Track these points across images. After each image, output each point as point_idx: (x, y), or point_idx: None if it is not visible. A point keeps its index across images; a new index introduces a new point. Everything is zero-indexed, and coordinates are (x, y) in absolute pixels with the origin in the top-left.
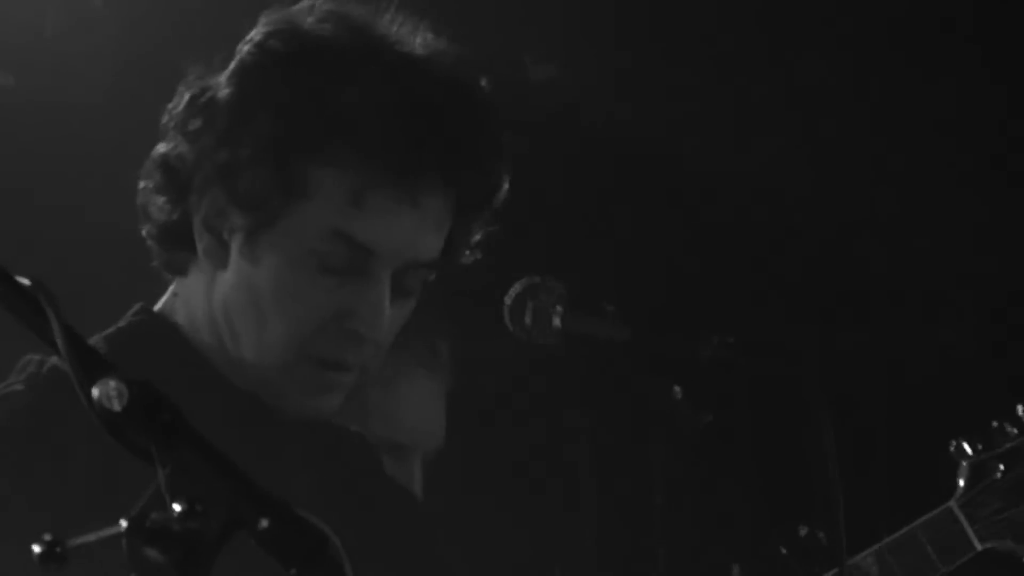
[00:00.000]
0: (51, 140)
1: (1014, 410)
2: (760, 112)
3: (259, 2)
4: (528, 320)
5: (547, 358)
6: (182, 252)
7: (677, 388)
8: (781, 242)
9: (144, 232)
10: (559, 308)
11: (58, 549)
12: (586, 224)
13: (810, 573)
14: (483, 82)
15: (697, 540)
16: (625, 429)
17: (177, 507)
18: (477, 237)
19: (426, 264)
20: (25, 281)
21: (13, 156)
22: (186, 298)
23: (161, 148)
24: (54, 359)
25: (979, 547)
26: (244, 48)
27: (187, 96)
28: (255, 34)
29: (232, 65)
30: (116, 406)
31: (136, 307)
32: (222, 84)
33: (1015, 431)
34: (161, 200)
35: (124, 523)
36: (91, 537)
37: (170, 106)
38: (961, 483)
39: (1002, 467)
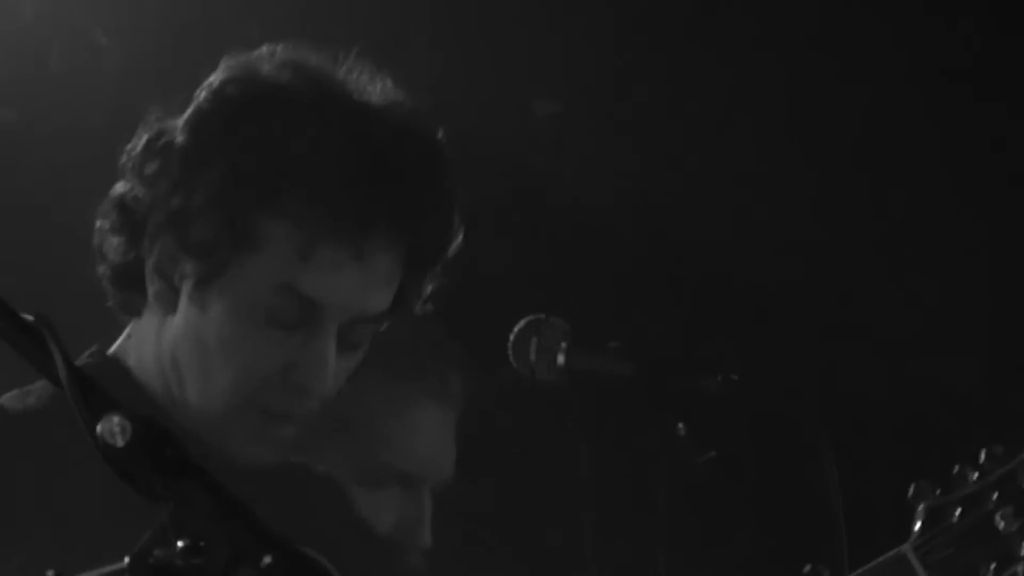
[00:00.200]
0: (54, 174)
1: (979, 455)
2: (763, 159)
3: (259, 40)
4: (532, 357)
5: (550, 394)
6: (135, 294)
7: (681, 425)
8: (781, 279)
9: (99, 272)
10: (563, 345)
11: None
12: (589, 261)
13: None
14: (439, 133)
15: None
16: (628, 465)
17: (180, 543)
18: (429, 289)
19: (374, 318)
20: (28, 317)
21: (17, 190)
22: (138, 341)
23: (118, 188)
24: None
25: None
26: (201, 94)
27: (144, 138)
28: (214, 79)
29: (189, 110)
30: (119, 441)
31: (91, 349)
32: (178, 129)
33: (975, 476)
34: (116, 241)
35: (127, 559)
36: (94, 573)
37: (129, 147)
38: (917, 526)
39: (959, 512)
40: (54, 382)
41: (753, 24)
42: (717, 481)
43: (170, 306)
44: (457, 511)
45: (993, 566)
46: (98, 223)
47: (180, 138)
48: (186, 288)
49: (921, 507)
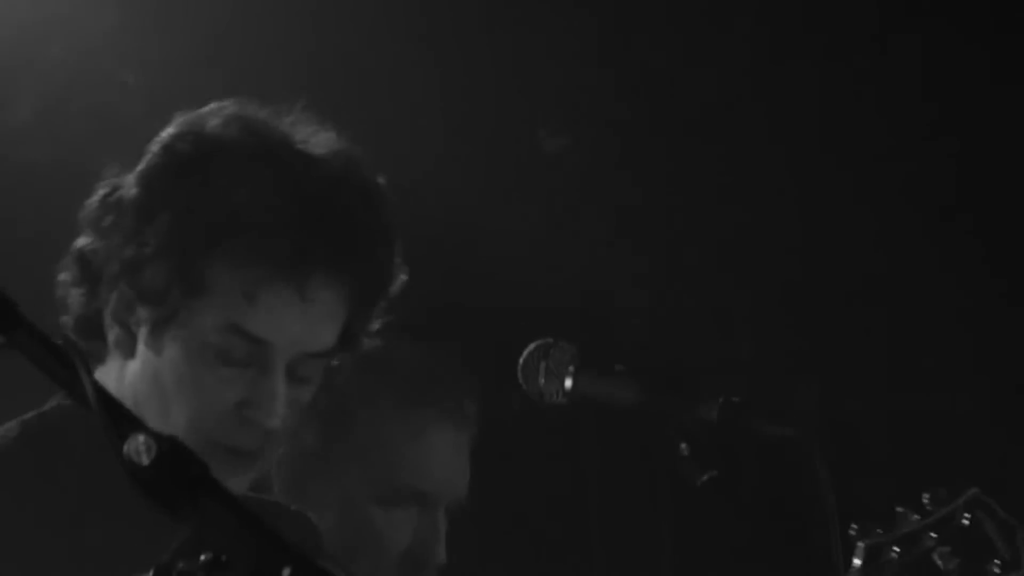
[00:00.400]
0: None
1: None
2: (760, 175)
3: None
4: (541, 380)
5: (558, 416)
6: (98, 342)
7: (684, 445)
8: (782, 301)
9: (63, 323)
10: (571, 368)
11: None
12: (596, 286)
13: None
14: (378, 179)
15: None
16: (633, 484)
17: (203, 557)
18: (375, 325)
19: (321, 354)
20: (57, 341)
21: (46, 230)
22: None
23: (79, 243)
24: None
25: None
26: (153, 148)
27: (100, 193)
28: (164, 135)
29: (141, 166)
30: (144, 460)
31: (60, 393)
32: (131, 183)
33: (916, 517)
34: (77, 293)
35: (152, 571)
36: None
37: (87, 202)
38: (856, 563)
39: (896, 550)
40: (81, 402)
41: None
42: (718, 499)
43: (128, 351)
44: (470, 531)
45: None
46: (61, 276)
47: (131, 191)
48: (142, 333)
49: (861, 545)
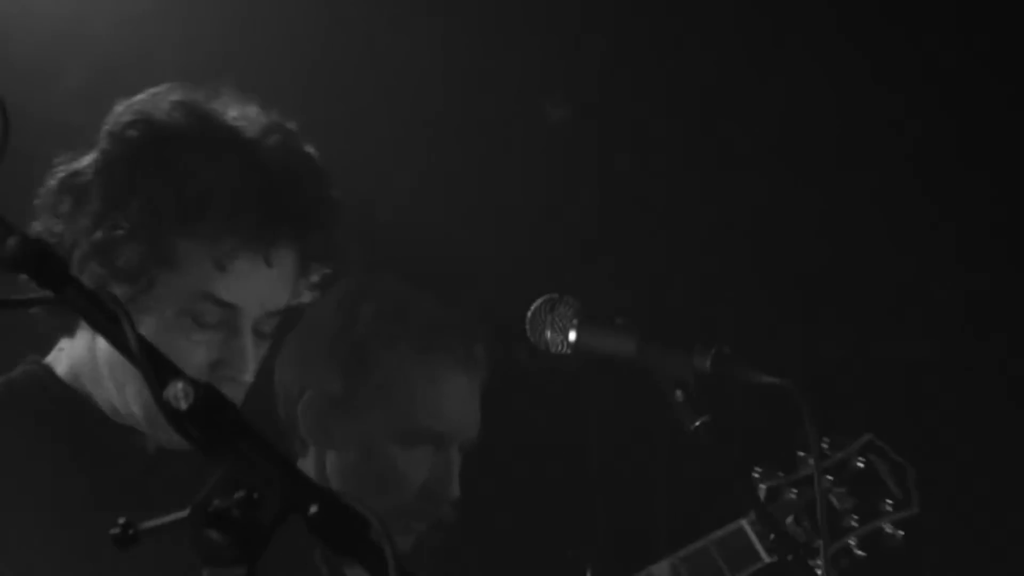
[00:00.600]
0: None
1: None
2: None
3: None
4: (547, 332)
5: (562, 365)
6: (66, 318)
7: (679, 392)
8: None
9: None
10: (575, 321)
11: (130, 531)
12: (599, 244)
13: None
14: (312, 150)
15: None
16: (631, 428)
17: (237, 495)
18: (316, 279)
19: (279, 312)
20: (104, 295)
21: None
22: (70, 354)
23: (37, 227)
24: None
25: (767, 560)
26: (104, 138)
27: (56, 179)
28: (112, 126)
29: (95, 154)
30: (183, 405)
31: (31, 357)
32: (89, 171)
33: (812, 461)
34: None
35: (190, 508)
36: (159, 521)
37: (41, 190)
38: (756, 507)
39: (794, 492)
40: (124, 352)
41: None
42: (710, 444)
43: None
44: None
45: (824, 539)
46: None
47: (94, 179)
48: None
49: (761, 487)
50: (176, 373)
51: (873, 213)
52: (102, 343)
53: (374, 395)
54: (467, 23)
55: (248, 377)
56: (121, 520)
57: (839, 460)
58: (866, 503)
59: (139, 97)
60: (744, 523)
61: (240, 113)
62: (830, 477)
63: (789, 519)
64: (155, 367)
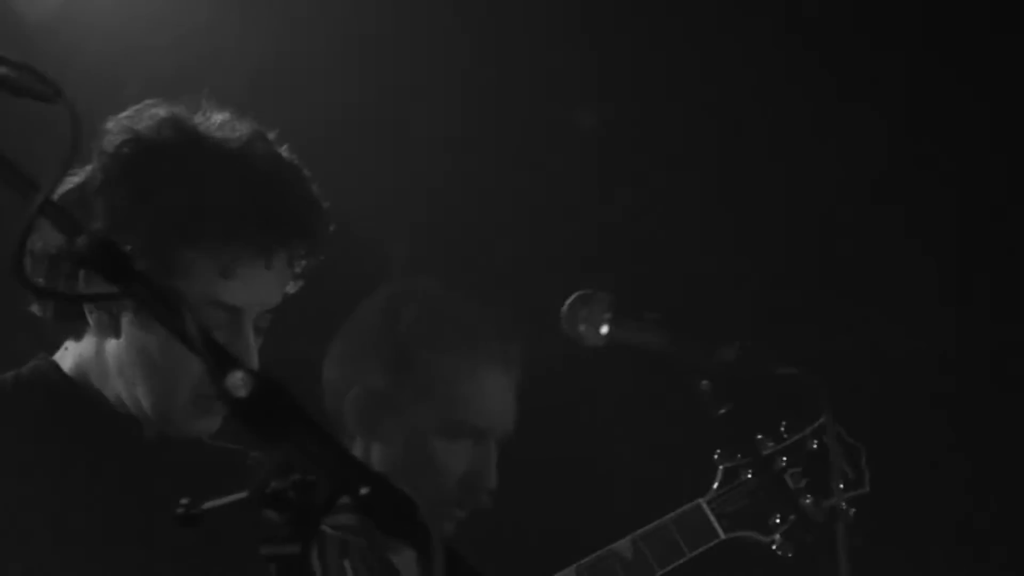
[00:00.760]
0: None
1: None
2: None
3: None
4: (581, 327)
5: (595, 357)
6: (75, 324)
7: (705, 382)
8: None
9: (37, 311)
10: (607, 316)
11: (193, 511)
12: (628, 242)
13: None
14: (296, 159)
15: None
16: (660, 415)
17: (293, 478)
18: (299, 271)
19: (273, 308)
20: (168, 288)
21: None
22: (76, 353)
23: (40, 244)
24: None
25: (723, 536)
26: (100, 156)
27: (61, 198)
28: (106, 145)
29: (96, 173)
30: (242, 393)
31: (41, 355)
32: (90, 189)
33: (771, 444)
34: (51, 286)
35: (249, 492)
36: (220, 502)
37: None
38: (715, 485)
39: (751, 473)
40: (186, 342)
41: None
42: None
43: (112, 332)
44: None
45: (778, 516)
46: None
47: (96, 197)
48: (127, 316)
49: (720, 468)
50: (235, 363)
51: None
52: (111, 345)
53: (416, 391)
54: (503, 26)
55: (252, 368)
56: (184, 501)
57: (794, 442)
58: (819, 482)
59: (125, 115)
60: (702, 502)
61: (221, 124)
62: (785, 458)
63: (747, 498)
64: (216, 358)
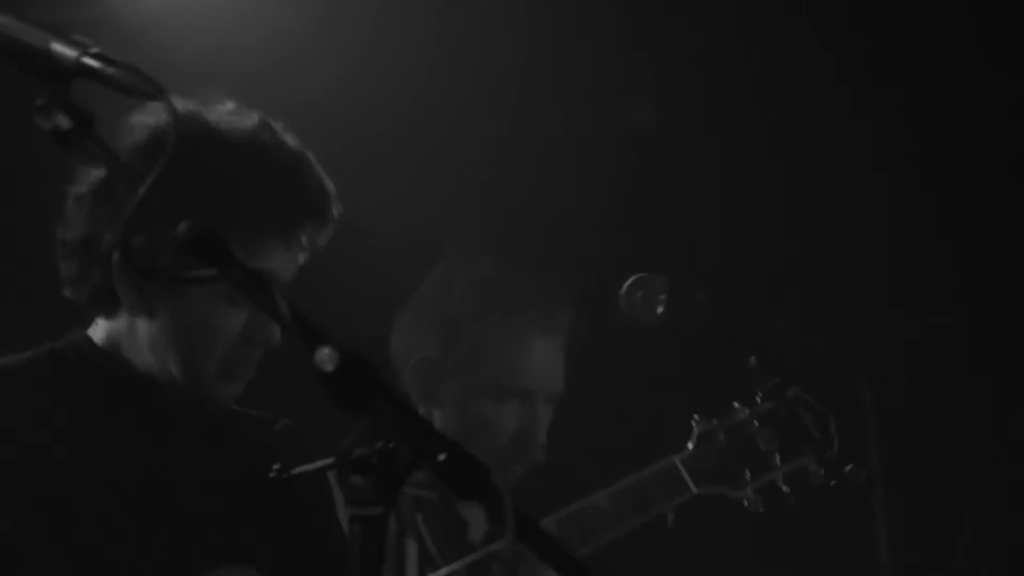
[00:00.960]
0: None
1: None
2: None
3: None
4: (638, 306)
5: (650, 336)
6: (108, 306)
7: (752, 358)
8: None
9: (73, 296)
10: (662, 297)
11: (284, 475)
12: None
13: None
14: (302, 146)
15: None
16: (713, 388)
17: (376, 445)
18: (306, 245)
19: (288, 282)
20: (258, 271)
21: None
22: (109, 328)
23: (75, 233)
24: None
25: (695, 490)
26: (125, 152)
27: (86, 190)
28: (128, 142)
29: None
30: (330, 367)
31: (77, 331)
32: (121, 183)
33: (746, 411)
34: (88, 272)
35: (335, 456)
36: (310, 467)
37: (73, 197)
38: (690, 445)
39: (723, 435)
40: (276, 319)
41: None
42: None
43: (146, 311)
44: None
45: (749, 473)
46: (63, 265)
47: (128, 192)
48: (160, 296)
49: (695, 431)
50: (323, 339)
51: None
52: (142, 323)
53: (467, 358)
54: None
55: (274, 341)
56: (276, 465)
57: (767, 409)
58: (789, 445)
59: (142, 113)
60: (676, 459)
61: (231, 115)
62: (757, 423)
63: (719, 459)
64: (304, 334)
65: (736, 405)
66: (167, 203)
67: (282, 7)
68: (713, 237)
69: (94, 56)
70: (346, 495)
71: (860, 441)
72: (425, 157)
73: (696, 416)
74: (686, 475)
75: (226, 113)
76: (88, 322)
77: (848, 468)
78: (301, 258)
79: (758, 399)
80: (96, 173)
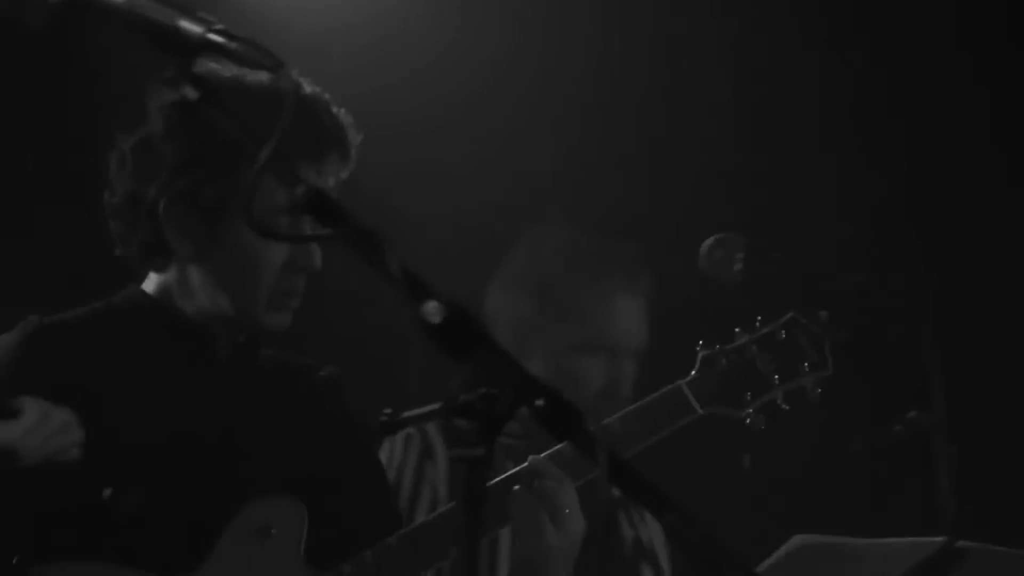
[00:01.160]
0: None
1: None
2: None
3: None
4: (718, 264)
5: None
6: (158, 258)
7: (823, 312)
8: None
9: (124, 253)
10: (740, 255)
11: (396, 419)
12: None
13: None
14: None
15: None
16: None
17: (480, 391)
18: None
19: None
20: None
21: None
22: (160, 281)
23: (120, 191)
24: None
25: (700, 411)
26: (162, 108)
27: (129, 148)
28: (160, 105)
29: (163, 119)
30: (436, 319)
31: (132, 286)
32: (156, 135)
33: (746, 335)
34: (138, 226)
35: (442, 402)
36: (419, 411)
37: (115, 159)
38: (694, 371)
39: (725, 359)
40: (386, 276)
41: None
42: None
43: (193, 257)
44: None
45: (750, 394)
46: (113, 224)
47: (165, 140)
48: (206, 235)
49: (699, 356)
50: (429, 294)
51: None
52: (193, 269)
53: (557, 316)
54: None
55: (317, 264)
56: (387, 410)
57: (766, 333)
58: (787, 365)
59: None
60: (682, 383)
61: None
62: (755, 347)
63: (722, 380)
64: (413, 289)
65: (737, 330)
66: (211, 150)
67: None
68: (789, 201)
69: (218, 32)
70: (451, 437)
71: (923, 390)
72: (513, 131)
73: (700, 342)
74: (692, 398)
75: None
76: (140, 278)
77: (911, 414)
78: (331, 182)
79: (757, 324)
80: (133, 135)
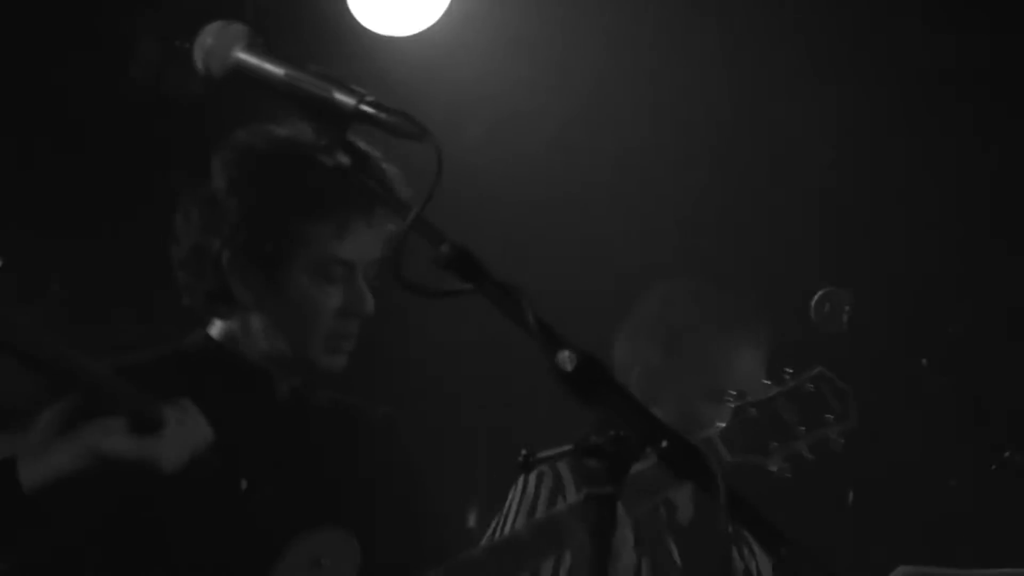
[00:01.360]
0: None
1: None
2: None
3: None
4: (826, 316)
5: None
6: (223, 307)
7: (924, 360)
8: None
9: (191, 302)
10: (847, 308)
11: (530, 459)
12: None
13: None
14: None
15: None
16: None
17: (609, 433)
18: (390, 231)
19: (376, 262)
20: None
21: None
22: (224, 327)
23: (186, 244)
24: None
25: (729, 459)
26: (224, 168)
27: (196, 207)
28: (223, 159)
29: (221, 180)
30: (569, 367)
31: (198, 331)
32: (220, 193)
33: (775, 388)
34: (200, 280)
35: (574, 443)
36: (552, 452)
37: (180, 214)
38: (720, 424)
39: (754, 410)
40: (522, 326)
41: None
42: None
43: (255, 304)
44: None
45: (776, 443)
46: (180, 274)
47: (227, 198)
48: (264, 286)
49: (730, 406)
50: (562, 344)
51: None
52: (255, 317)
53: (686, 365)
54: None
55: (368, 313)
56: (524, 451)
57: (793, 386)
58: (812, 417)
59: (231, 137)
60: (713, 435)
61: (299, 128)
62: (784, 398)
63: (750, 432)
64: (547, 339)
65: (767, 383)
66: (268, 204)
67: (519, 60)
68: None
69: (369, 103)
70: (581, 477)
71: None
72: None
73: (731, 392)
74: (721, 447)
75: (294, 127)
76: (205, 324)
77: (1007, 454)
78: (384, 238)
79: (786, 377)
80: (198, 191)
